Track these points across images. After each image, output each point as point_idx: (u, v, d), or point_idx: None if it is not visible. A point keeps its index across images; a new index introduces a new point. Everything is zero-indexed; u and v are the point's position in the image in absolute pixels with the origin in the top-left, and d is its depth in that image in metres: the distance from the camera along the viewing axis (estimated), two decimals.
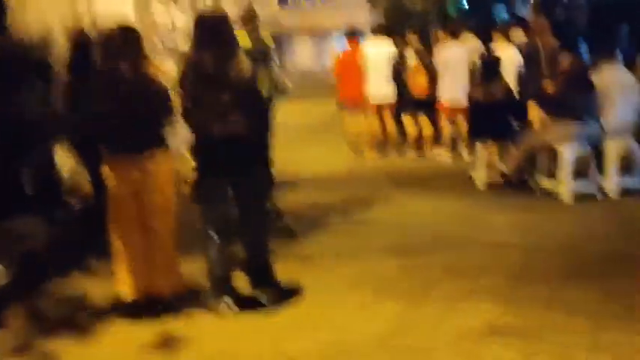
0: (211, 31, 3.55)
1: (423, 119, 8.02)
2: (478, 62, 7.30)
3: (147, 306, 3.65)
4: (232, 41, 3.65)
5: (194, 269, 3.99)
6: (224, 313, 3.65)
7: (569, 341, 3.21)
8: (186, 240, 3.92)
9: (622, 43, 8.26)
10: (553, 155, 5.92)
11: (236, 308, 3.66)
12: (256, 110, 3.90)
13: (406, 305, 3.72)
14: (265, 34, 5.79)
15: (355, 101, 8.14)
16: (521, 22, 8.56)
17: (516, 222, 5.26)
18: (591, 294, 3.77)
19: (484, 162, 6.44)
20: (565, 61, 5.99)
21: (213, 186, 3.65)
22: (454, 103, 7.71)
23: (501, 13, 12.28)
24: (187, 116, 3.66)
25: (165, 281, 3.69)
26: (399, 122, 8.21)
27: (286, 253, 4.54)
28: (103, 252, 3.94)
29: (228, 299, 3.67)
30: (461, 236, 4.96)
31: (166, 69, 7.27)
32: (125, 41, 3.54)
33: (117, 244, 3.68)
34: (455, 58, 7.70)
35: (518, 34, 7.84)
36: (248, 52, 4.24)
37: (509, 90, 6.58)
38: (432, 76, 7.80)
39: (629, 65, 6.05)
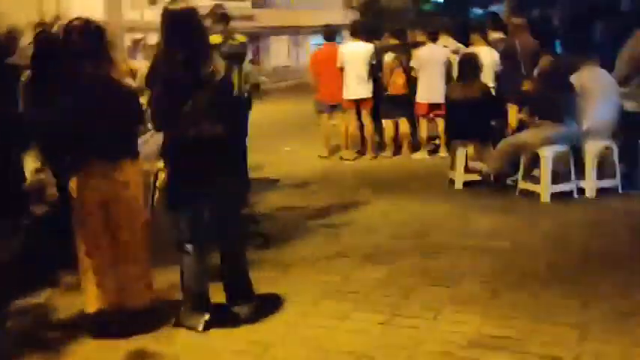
0: (180, 26, 3.37)
1: (402, 120, 7.94)
2: (455, 62, 7.24)
3: (117, 322, 3.46)
4: (203, 38, 3.48)
5: (168, 282, 3.83)
6: (199, 329, 3.48)
7: (555, 353, 3.13)
8: (159, 251, 3.75)
9: (597, 42, 8.28)
10: (532, 156, 5.88)
11: (212, 323, 3.50)
12: (232, 113, 3.73)
13: (387, 316, 3.61)
14: (237, 34, 5.64)
15: (332, 100, 8.02)
16: (496, 19, 8.53)
17: (496, 224, 5.21)
18: (574, 299, 3.72)
19: (462, 162, 6.38)
20: (544, 61, 5.96)
21: (186, 193, 3.48)
22: (432, 102, 7.65)
23: (476, 10, 12.32)
24: (157, 119, 3.49)
25: (137, 295, 3.51)
26: (377, 122, 8.11)
27: (262, 260, 4.42)
28: (70, 263, 3.76)
29: (203, 314, 3.50)
30: (440, 240, 4.89)
31: (138, 68, 7.09)
32: (86, 38, 3.34)
33: (84, 257, 3.49)
34: (432, 58, 7.64)
35: (496, 35, 7.81)
36: (220, 52, 4.10)
37: (486, 90, 6.53)
38: (409, 76, 7.73)
39: (605, 64, 6.03)
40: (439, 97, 7.49)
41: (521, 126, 6.12)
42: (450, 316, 3.58)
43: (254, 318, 3.58)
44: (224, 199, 3.55)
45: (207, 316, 3.50)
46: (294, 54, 27.36)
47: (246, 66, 5.82)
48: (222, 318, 3.55)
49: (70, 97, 3.34)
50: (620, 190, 5.91)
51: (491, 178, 6.26)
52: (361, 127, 8.17)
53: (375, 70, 7.88)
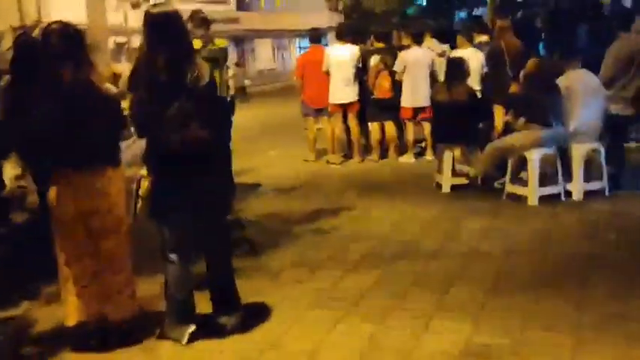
0: (162, 29, 3.28)
1: (388, 123, 7.89)
2: (442, 64, 7.21)
3: (98, 334, 3.36)
4: (186, 41, 3.39)
5: (152, 292, 3.73)
6: (184, 342, 3.37)
7: None
8: (142, 260, 3.65)
9: (581, 44, 8.30)
10: (519, 159, 5.86)
11: (198, 334, 3.40)
12: (216, 118, 3.63)
13: (377, 325, 3.54)
14: (217, 38, 5.57)
15: (318, 103, 7.95)
16: (479, 21, 8.54)
17: (484, 228, 5.17)
18: (566, 304, 3.68)
19: (449, 165, 6.34)
20: (531, 63, 5.93)
21: (170, 201, 3.38)
22: (417, 106, 7.62)
23: (460, 12, 12.36)
24: (139, 123, 3.39)
25: (119, 306, 3.40)
26: (363, 125, 8.05)
27: (249, 268, 4.33)
28: (50, 273, 3.64)
29: (189, 325, 3.40)
30: (429, 245, 4.83)
31: (122, 71, 6.97)
32: (64, 41, 3.23)
33: (63, 266, 3.38)
34: (417, 61, 7.60)
35: (482, 38, 7.80)
36: (202, 56, 4.02)
37: (472, 92, 6.50)
38: (395, 79, 7.69)
39: (589, 67, 6.02)
40: (424, 101, 7.48)
41: (508, 128, 6.09)
42: (442, 324, 3.51)
43: (241, 328, 3.49)
44: (209, 206, 3.45)
45: (192, 328, 3.40)
46: (280, 57, 27.32)
47: (231, 69, 5.74)
48: (209, 329, 3.45)
49: (50, 101, 3.23)
50: (607, 193, 5.90)
51: (479, 181, 6.24)
52: (347, 130, 8.12)
53: (361, 74, 7.83)
